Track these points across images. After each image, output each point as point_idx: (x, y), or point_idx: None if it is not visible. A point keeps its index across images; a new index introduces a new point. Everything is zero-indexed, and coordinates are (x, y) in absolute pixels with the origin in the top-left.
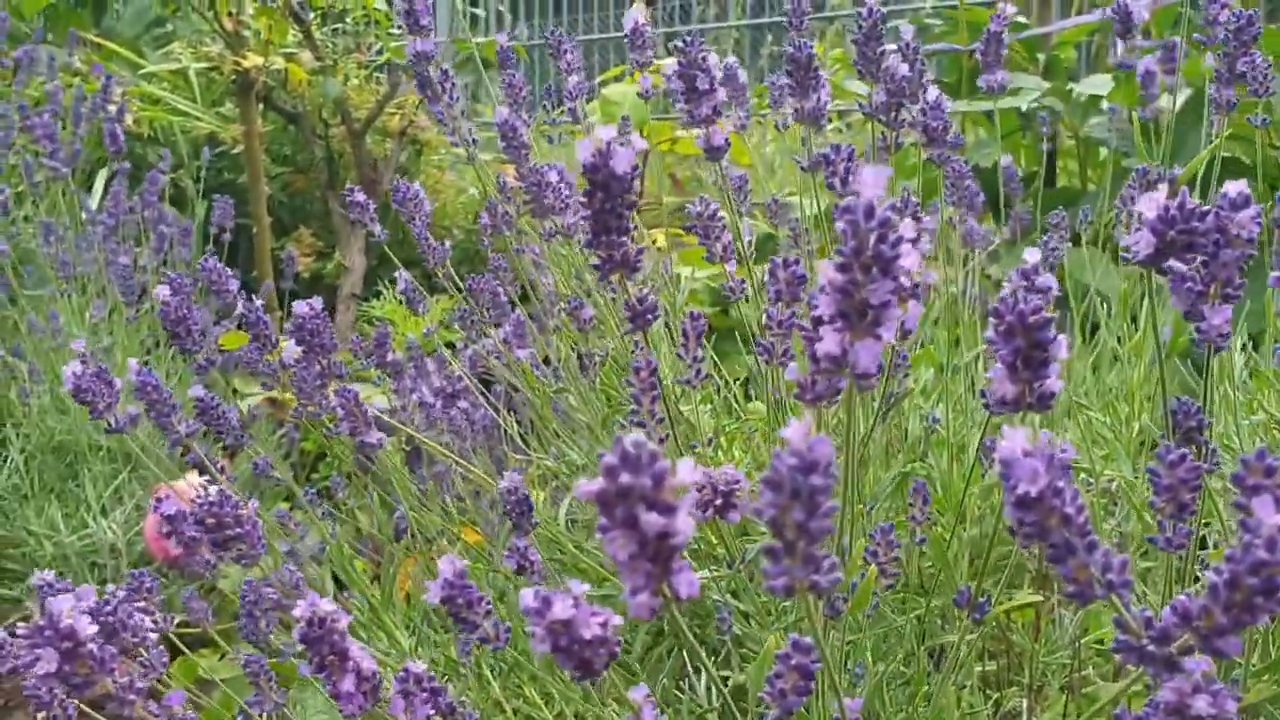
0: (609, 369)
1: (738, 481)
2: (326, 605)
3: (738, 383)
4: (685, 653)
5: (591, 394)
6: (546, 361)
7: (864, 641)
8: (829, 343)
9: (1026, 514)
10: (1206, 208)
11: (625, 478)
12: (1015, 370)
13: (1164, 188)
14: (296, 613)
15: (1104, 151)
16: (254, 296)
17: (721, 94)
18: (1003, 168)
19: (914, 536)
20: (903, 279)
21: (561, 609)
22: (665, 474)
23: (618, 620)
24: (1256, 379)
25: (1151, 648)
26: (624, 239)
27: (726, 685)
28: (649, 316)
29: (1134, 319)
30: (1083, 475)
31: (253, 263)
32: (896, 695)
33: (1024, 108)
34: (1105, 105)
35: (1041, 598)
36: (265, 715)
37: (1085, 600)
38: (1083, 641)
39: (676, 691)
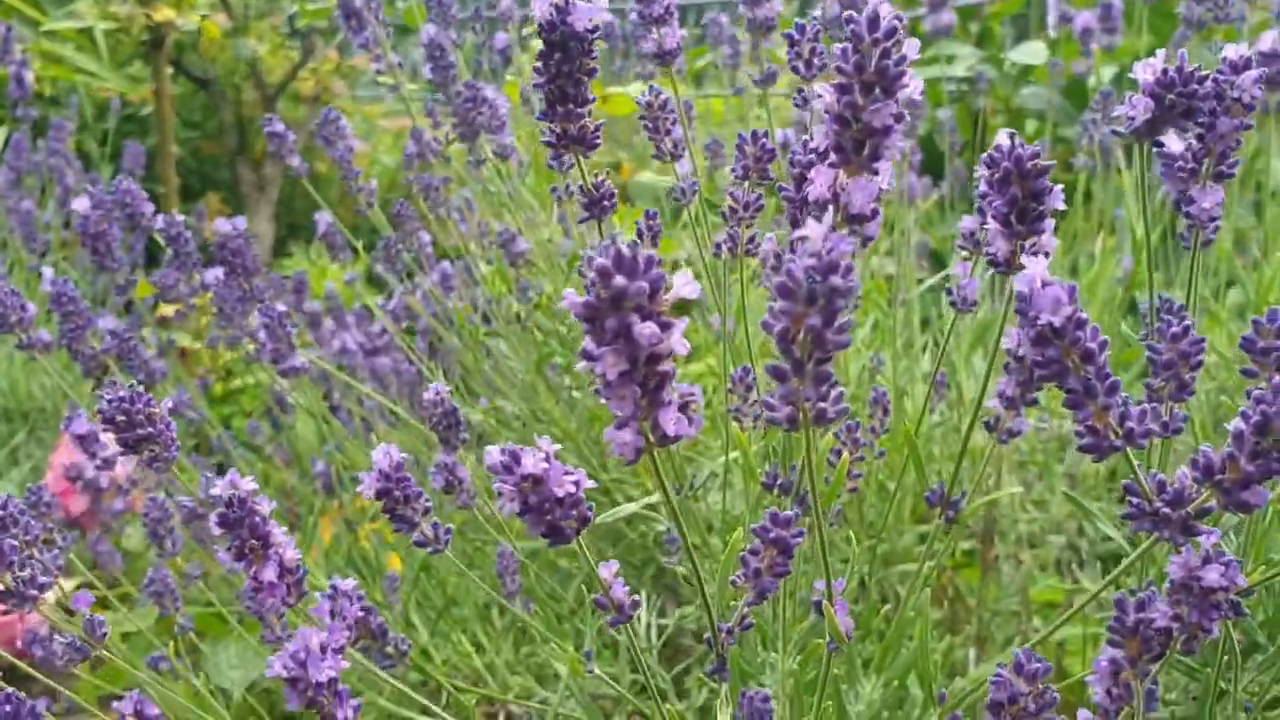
0: (544, 312)
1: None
2: (248, 484)
3: None
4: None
5: (526, 335)
6: (478, 311)
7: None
8: (820, 183)
9: (1047, 349)
10: (1206, 72)
11: (620, 280)
12: (1009, 225)
13: (1161, 54)
14: (214, 491)
15: (1032, 125)
16: (170, 217)
17: None
18: (942, 120)
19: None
20: (904, 110)
21: (532, 463)
22: (662, 281)
23: (590, 483)
24: None
25: (1166, 510)
26: (582, 110)
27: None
28: (605, 203)
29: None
30: None
31: None
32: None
33: (961, 72)
34: (1047, 60)
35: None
36: (171, 668)
37: (1100, 453)
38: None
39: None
